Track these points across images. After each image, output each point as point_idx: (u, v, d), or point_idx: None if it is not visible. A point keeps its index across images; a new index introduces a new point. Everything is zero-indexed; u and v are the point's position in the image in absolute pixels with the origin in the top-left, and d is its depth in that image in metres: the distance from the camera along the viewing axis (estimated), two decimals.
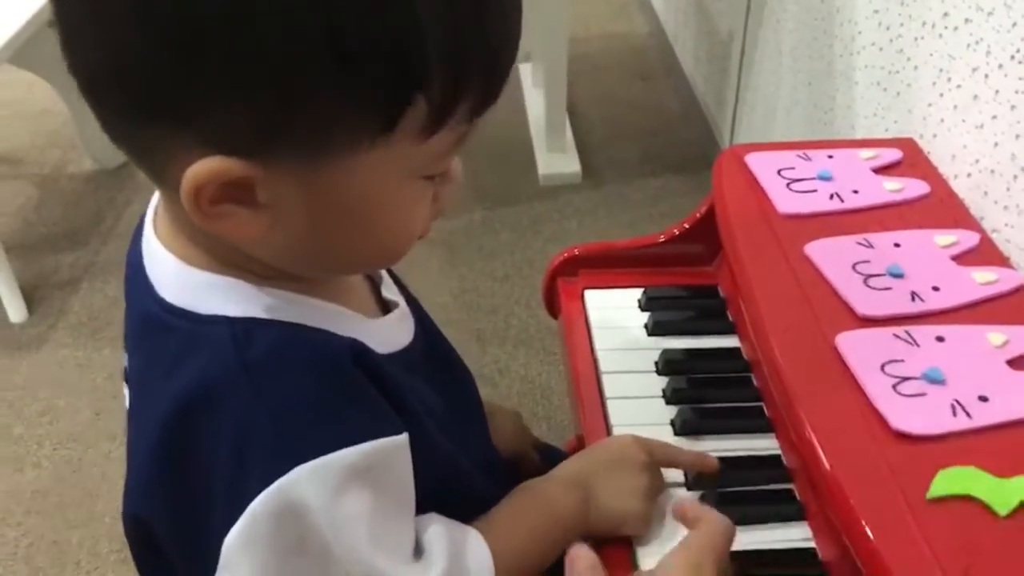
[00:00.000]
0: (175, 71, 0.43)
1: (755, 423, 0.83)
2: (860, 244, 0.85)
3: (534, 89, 2.32)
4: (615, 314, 0.99)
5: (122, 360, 0.61)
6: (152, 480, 0.54)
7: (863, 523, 0.61)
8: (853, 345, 0.73)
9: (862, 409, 0.68)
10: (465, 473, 0.65)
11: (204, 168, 0.44)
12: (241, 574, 0.50)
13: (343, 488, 0.50)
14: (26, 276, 1.82)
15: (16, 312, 1.73)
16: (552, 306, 1.07)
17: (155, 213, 0.58)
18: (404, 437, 0.54)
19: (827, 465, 0.65)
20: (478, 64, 0.47)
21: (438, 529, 0.58)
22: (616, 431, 0.84)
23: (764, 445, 0.81)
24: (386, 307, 0.65)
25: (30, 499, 1.37)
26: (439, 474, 0.60)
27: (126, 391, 0.60)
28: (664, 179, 2.03)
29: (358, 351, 0.54)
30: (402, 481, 0.55)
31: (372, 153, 0.47)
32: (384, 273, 0.68)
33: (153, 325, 0.54)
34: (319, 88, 0.43)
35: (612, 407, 0.86)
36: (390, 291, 0.67)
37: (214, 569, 0.50)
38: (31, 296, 1.78)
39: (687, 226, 1.02)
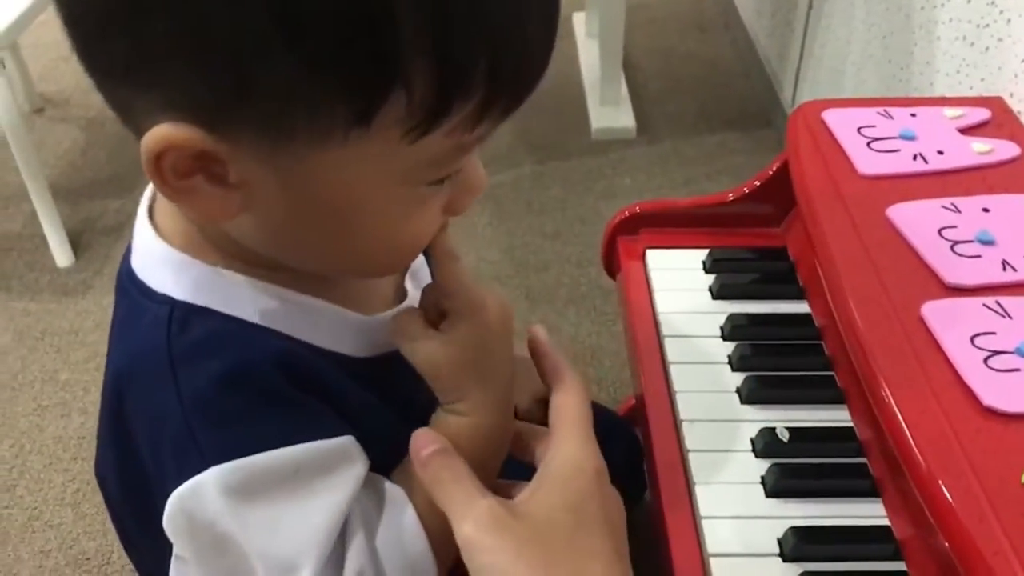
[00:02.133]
0: (130, 28, 0.40)
1: (826, 393, 0.80)
2: (946, 208, 0.80)
3: (588, 39, 2.26)
4: (678, 275, 0.96)
5: None
6: (106, 440, 0.55)
7: (952, 505, 0.57)
8: (941, 315, 0.69)
9: (950, 384, 0.64)
10: None
11: (160, 134, 0.41)
12: (183, 553, 0.51)
13: (257, 493, 0.48)
14: (72, 221, 1.82)
15: (63, 257, 1.73)
16: (611, 265, 1.04)
17: None
18: (341, 441, 0.51)
19: (913, 443, 0.61)
20: (480, 60, 0.41)
21: (358, 533, 0.52)
22: (679, 398, 0.81)
23: (836, 416, 0.78)
24: (404, 296, 0.61)
25: (76, 445, 1.37)
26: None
27: None
28: (721, 136, 1.96)
29: (289, 355, 0.51)
30: (333, 487, 0.50)
31: (349, 149, 0.42)
32: (421, 257, 0.62)
33: (119, 285, 0.54)
34: (273, 63, 0.38)
35: (675, 372, 0.84)
36: (415, 279, 0.62)
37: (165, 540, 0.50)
38: (77, 241, 1.77)
39: (757, 184, 0.98)
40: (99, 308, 1.63)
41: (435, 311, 0.55)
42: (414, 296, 0.60)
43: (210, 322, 0.50)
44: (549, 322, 1.51)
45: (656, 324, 0.90)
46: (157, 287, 0.51)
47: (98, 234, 1.81)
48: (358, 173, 0.44)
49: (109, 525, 1.24)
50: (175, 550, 0.52)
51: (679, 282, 0.95)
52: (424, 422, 0.56)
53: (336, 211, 0.46)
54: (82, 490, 1.30)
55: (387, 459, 0.55)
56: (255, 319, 0.51)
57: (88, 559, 1.21)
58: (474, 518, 0.48)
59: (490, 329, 0.54)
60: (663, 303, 0.92)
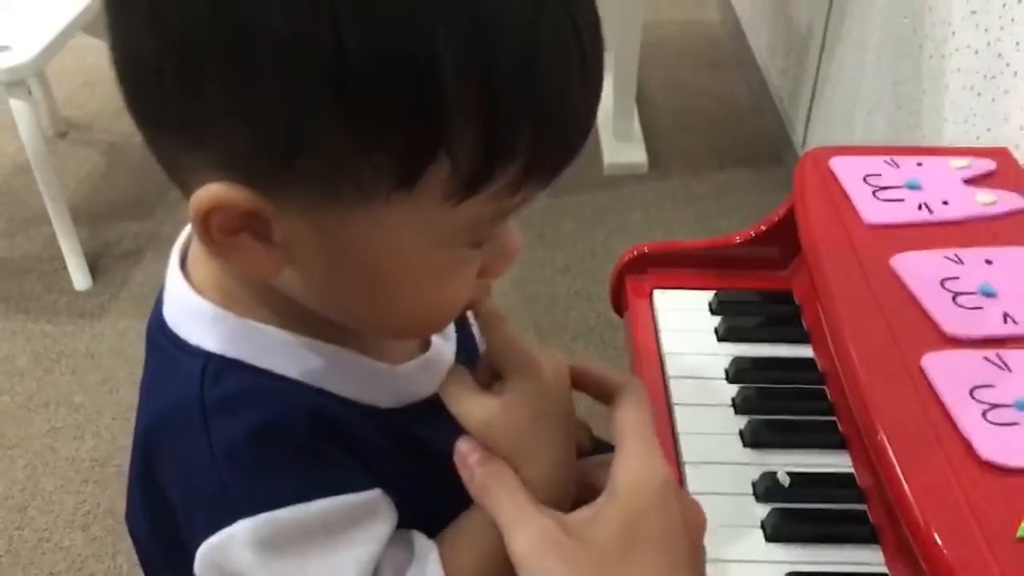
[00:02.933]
0: (181, 83, 0.40)
1: (828, 438, 0.81)
2: (949, 259, 0.81)
3: None
4: (684, 316, 0.96)
5: None
6: (138, 500, 0.54)
7: (947, 558, 0.58)
8: (940, 367, 0.70)
9: (949, 435, 0.65)
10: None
11: (209, 193, 0.42)
12: None
13: (286, 547, 0.48)
14: (91, 244, 1.84)
15: (80, 279, 1.76)
16: (618, 304, 1.05)
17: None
18: (371, 495, 0.51)
19: (909, 493, 0.62)
20: (524, 132, 0.41)
21: None
22: (683, 439, 0.81)
23: (837, 462, 0.79)
24: (428, 343, 0.60)
25: (88, 468, 1.39)
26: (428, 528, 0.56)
27: None
28: (732, 173, 1.98)
29: (322, 409, 0.51)
30: (362, 541, 0.50)
31: (391, 209, 0.42)
32: None
33: (150, 337, 0.54)
34: (324, 128, 0.39)
35: (679, 413, 0.84)
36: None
37: None
38: (95, 264, 1.80)
39: (763, 228, 0.99)
40: (115, 332, 1.65)
41: (487, 373, 0.55)
42: (438, 345, 0.60)
43: (243, 376, 0.50)
44: None
45: (662, 364, 0.90)
46: (191, 340, 0.51)
47: (116, 258, 1.83)
48: (399, 234, 0.44)
49: (119, 548, 1.26)
50: None
51: (685, 323, 0.95)
52: (449, 474, 0.55)
53: (375, 271, 0.46)
54: (92, 512, 1.32)
55: (413, 511, 0.54)
56: (287, 372, 0.51)
57: None
58: (527, 533, 0.48)
59: (547, 388, 0.53)
60: (669, 343, 0.92)
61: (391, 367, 0.56)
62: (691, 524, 0.52)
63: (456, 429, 0.57)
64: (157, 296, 0.55)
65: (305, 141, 0.40)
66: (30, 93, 1.60)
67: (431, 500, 0.54)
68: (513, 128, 0.41)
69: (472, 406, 0.52)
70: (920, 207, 0.87)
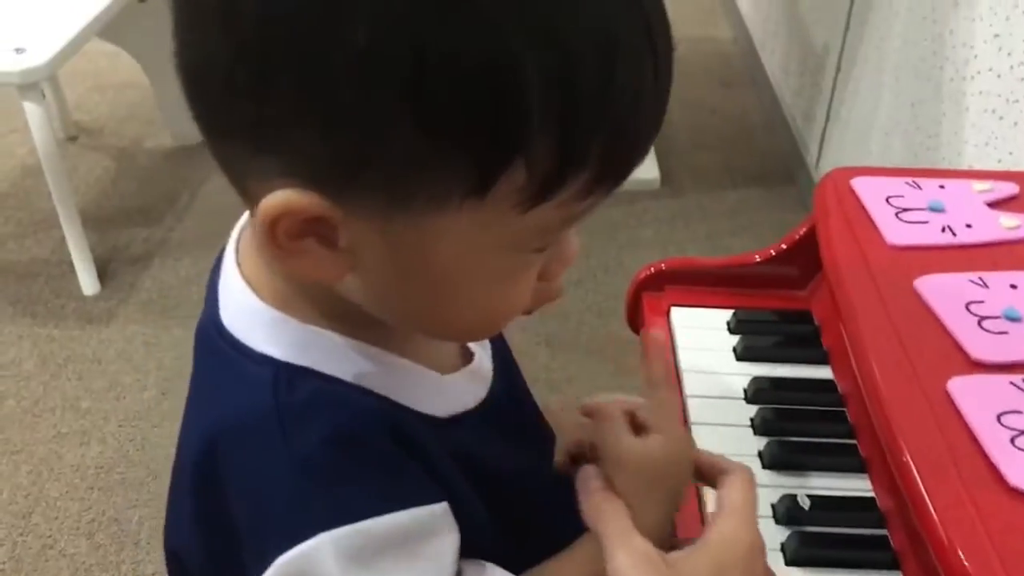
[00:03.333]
0: (255, 90, 0.40)
1: (848, 461, 0.80)
2: (974, 283, 0.80)
3: None
4: (702, 335, 0.96)
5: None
6: (190, 512, 0.52)
7: None
8: (967, 392, 0.69)
9: (976, 462, 0.64)
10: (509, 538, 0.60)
11: (279, 199, 0.42)
12: None
13: (366, 561, 0.47)
14: (100, 249, 1.84)
15: (89, 284, 1.75)
16: (634, 320, 1.04)
17: (240, 232, 0.55)
18: (442, 506, 0.50)
19: (936, 519, 0.61)
20: (598, 141, 0.42)
21: None
22: None
23: (857, 485, 0.78)
24: (468, 354, 0.60)
25: (94, 475, 1.38)
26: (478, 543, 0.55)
27: None
28: (744, 191, 1.98)
29: (394, 417, 0.51)
30: (436, 553, 0.50)
31: (462, 215, 0.42)
32: None
33: (206, 343, 0.53)
34: (400, 135, 0.39)
35: (697, 433, 0.83)
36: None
37: None
38: (103, 269, 1.79)
39: (784, 247, 0.98)
40: (122, 337, 1.64)
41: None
42: (479, 355, 0.60)
43: (314, 383, 0.49)
44: (568, 371, 1.51)
45: (679, 383, 0.90)
46: (255, 346, 0.50)
47: (124, 263, 1.83)
48: (467, 240, 0.44)
49: (122, 557, 1.25)
50: None
51: (703, 341, 0.95)
52: (497, 484, 0.57)
53: (441, 276, 0.46)
54: (97, 520, 1.30)
55: (461, 522, 0.53)
56: (352, 379, 0.50)
57: None
58: (628, 552, 0.51)
59: (680, 455, 0.59)
60: (687, 362, 0.92)
61: (445, 376, 0.56)
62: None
63: (502, 444, 0.60)
64: (209, 296, 0.54)
65: (380, 149, 0.40)
66: (44, 97, 1.59)
67: (477, 514, 0.54)
68: (588, 138, 0.41)
69: (619, 440, 0.57)
70: (944, 230, 0.86)
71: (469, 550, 0.53)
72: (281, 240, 0.43)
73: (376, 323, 0.51)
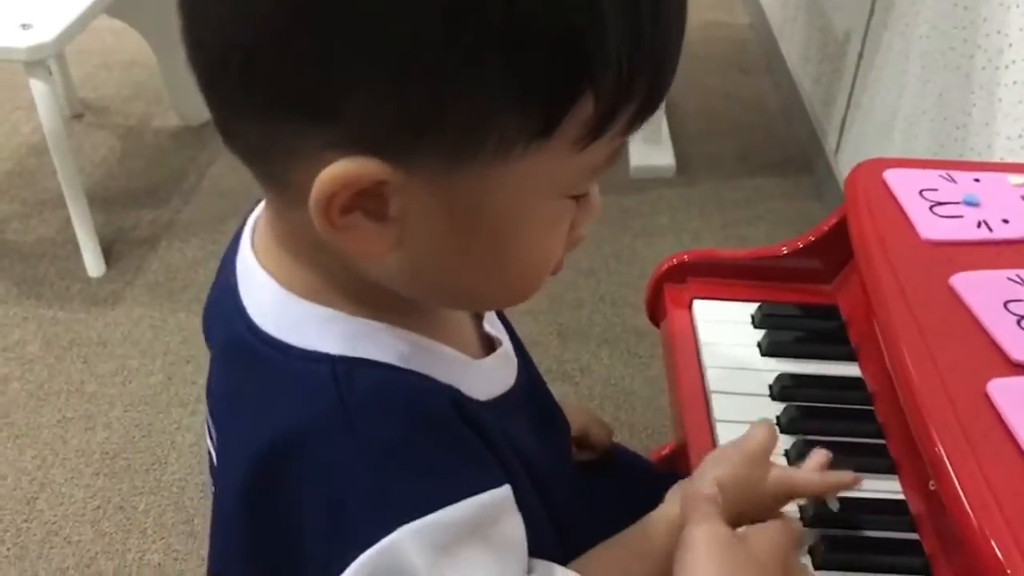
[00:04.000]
0: (316, 53, 0.38)
1: (878, 463, 0.78)
2: (1012, 280, 0.78)
3: None
4: (725, 329, 0.94)
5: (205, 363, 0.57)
6: (239, 532, 0.50)
7: None
8: (1008, 394, 0.67)
9: (1020, 467, 0.62)
10: (547, 526, 0.60)
11: (341, 170, 0.40)
12: None
13: (449, 549, 0.46)
14: (106, 230, 1.82)
15: (94, 266, 1.73)
16: (655, 312, 1.02)
17: (253, 229, 0.53)
18: (507, 489, 0.50)
19: (978, 525, 0.59)
20: (649, 65, 0.42)
21: None
22: None
23: (887, 487, 0.76)
24: (489, 342, 0.60)
25: (99, 460, 1.36)
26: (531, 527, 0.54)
27: (207, 412, 0.57)
28: (761, 179, 1.95)
29: (457, 400, 0.50)
30: (509, 536, 0.50)
31: (525, 162, 0.42)
32: None
33: (244, 353, 0.50)
34: (480, 76, 0.38)
35: (721, 430, 0.82)
36: (493, 325, 0.62)
37: None
38: (109, 250, 1.77)
39: (812, 239, 0.96)
40: (128, 320, 1.62)
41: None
42: (505, 345, 0.61)
43: (373, 372, 0.48)
44: (581, 361, 1.49)
45: (703, 378, 0.88)
46: (304, 345, 0.48)
47: (131, 245, 1.81)
48: (523, 187, 0.44)
49: (128, 545, 1.24)
50: None
51: (727, 336, 0.92)
52: (533, 470, 0.57)
53: (492, 230, 0.46)
54: (103, 507, 1.29)
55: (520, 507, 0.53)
56: (404, 365, 0.49)
57: None
58: (710, 526, 0.56)
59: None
60: (710, 357, 0.90)
61: (478, 361, 0.56)
62: None
63: (531, 429, 0.60)
64: (230, 304, 0.52)
65: (453, 97, 0.39)
66: (50, 74, 1.57)
67: (529, 496, 0.54)
68: (643, 67, 0.42)
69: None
70: (979, 225, 0.84)
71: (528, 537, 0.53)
72: (335, 218, 0.42)
73: (406, 309, 0.50)
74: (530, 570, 0.53)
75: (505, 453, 0.53)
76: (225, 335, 0.53)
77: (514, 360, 0.61)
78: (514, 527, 0.51)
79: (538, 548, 0.54)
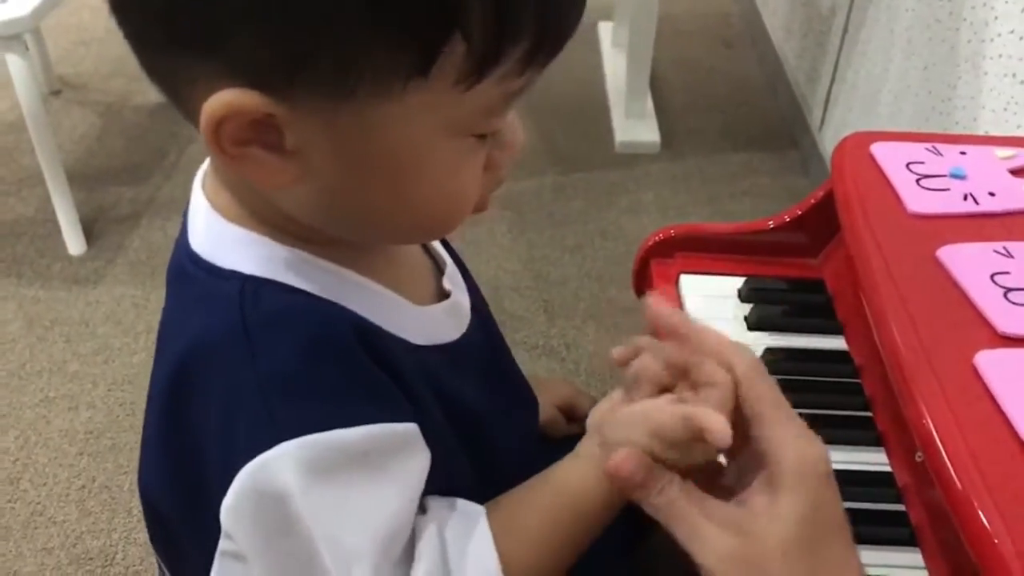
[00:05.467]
0: None
1: (864, 435, 0.78)
2: (998, 253, 0.78)
3: (613, 49, 2.24)
4: (712, 303, 0.94)
5: None
6: (158, 446, 0.52)
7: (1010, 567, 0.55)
8: (995, 366, 0.67)
9: (1007, 438, 0.62)
10: (466, 476, 0.59)
11: (222, 100, 0.42)
12: (240, 545, 0.48)
13: (329, 472, 0.47)
14: (86, 208, 1.79)
15: (75, 244, 1.71)
16: (641, 287, 1.01)
17: (208, 164, 0.56)
18: (411, 427, 0.50)
19: (967, 499, 0.59)
20: (531, 10, 0.42)
21: (431, 536, 0.51)
22: None
23: (874, 459, 0.76)
24: (445, 297, 0.61)
25: (83, 440, 1.35)
26: (442, 483, 0.54)
27: None
28: (746, 154, 1.94)
29: (364, 329, 0.51)
30: (402, 471, 0.50)
31: (405, 100, 0.43)
32: (450, 262, 0.64)
33: (179, 274, 0.53)
34: (346, 17, 0.40)
35: None
36: (453, 283, 0.63)
37: (214, 537, 0.49)
38: (90, 229, 1.75)
39: (799, 213, 0.96)
40: (110, 299, 1.60)
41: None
42: (457, 295, 0.61)
43: (283, 294, 0.49)
44: (568, 337, 1.49)
45: None
46: (225, 265, 0.50)
47: (112, 222, 1.79)
48: (413, 125, 0.44)
49: (114, 524, 1.23)
50: (224, 547, 0.50)
51: (713, 310, 0.92)
52: (468, 422, 0.57)
53: (389, 168, 0.46)
54: (87, 487, 1.28)
55: (432, 448, 0.53)
56: (322, 293, 0.50)
57: (91, 559, 1.19)
58: (717, 556, 0.47)
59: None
60: None
61: (418, 306, 0.56)
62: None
63: (476, 383, 0.60)
64: (181, 231, 0.54)
65: (322, 35, 0.40)
66: (27, 49, 1.54)
67: (447, 440, 0.54)
68: (523, 6, 0.42)
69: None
70: (966, 197, 0.84)
71: (437, 479, 0.53)
72: (226, 146, 0.43)
73: (343, 246, 0.51)
74: (425, 508, 0.53)
75: (420, 394, 0.53)
76: (174, 259, 0.55)
77: (464, 314, 0.62)
78: (411, 463, 0.51)
79: (462, 494, 0.55)
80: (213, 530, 0.49)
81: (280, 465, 0.45)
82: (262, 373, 0.47)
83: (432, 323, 0.57)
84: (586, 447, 0.57)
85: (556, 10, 0.44)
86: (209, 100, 0.42)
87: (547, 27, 0.43)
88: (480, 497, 0.58)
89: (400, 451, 0.50)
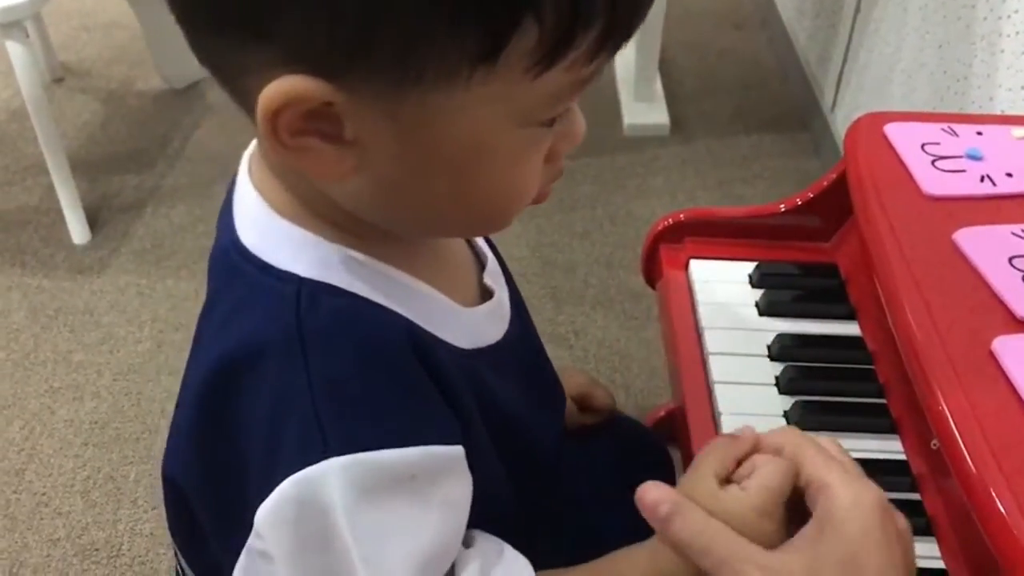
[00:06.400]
0: None
1: (879, 422, 0.77)
2: (1016, 235, 0.76)
3: None
4: (723, 289, 0.92)
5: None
6: (190, 437, 0.51)
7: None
8: (1013, 352, 0.65)
9: None
10: (506, 508, 0.59)
11: (281, 87, 0.40)
12: (270, 548, 0.47)
13: (375, 493, 0.46)
14: (90, 196, 1.78)
15: (79, 233, 1.70)
16: (651, 272, 1.00)
17: (254, 149, 0.54)
18: (459, 450, 0.49)
19: (984, 488, 0.58)
20: None
21: (474, 572, 0.51)
22: (724, 420, 0.77)
23: (888, 447, 0.75)
24: (487, 294, 0.60)
25: (88, 430, 1.34)
26: (480, 502, 0.53)
27: None
28: (757, 137, 1.92)
29: (416, 336, 0.49)
30: (446, 497, 0.49)
31: (472, 89, 0.41)
32: (491, 257, 0.63)
33: (225, 265, 0.51)
34: (407, 7, 0.38)
35: (720, 392, 0.80)
36: (493, 278, 0.61)
37: (244, 536, 0.48)
38: (94, 217, 1.74)
39: (811, 195, 0.94)
40: (115, 288, 1.60)
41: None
42: (500, 294, 0.60)
43: (339, 300, 0.48)
44: (576, 324, 1.47)
45: (700, 339, 0.86)
46: (280, 264, 0.49)
47: (116, 211, 1.78)
48: (479, 116, 0.43)
49: (119, 515, 1.22)
50: (254, 544, 0.49)
51: (724, 296, 0.91)
52: (508, 424, 0.57)
53: (453, 159, 0.45)
54: (92, 478, 1.27)
55: (472, 463, 0.52)
56: (377, 299, 0.49)
57: (97, 550, 1.18)
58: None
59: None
60: (707, 317, 0.88)
61: (462, 308, 0.55)
62: (905, 542, 0.52)
63: (516, 382, 0.59)
64: (223, 221, 0.53)
65: (385, 21, 0.38)
66: (27, 36, 1.53)
67: (488, 455, 0.53)
68: None
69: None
70: (983, 179, 0.82)
71: (477, 498, 0.52)
72: (283, 136, 0.42)
73: (393, 243, 0.50)
74: (471, 542, 0.53)
75: (467, 403, 0.52)
76: (219, 247, 0.53)
77: (506, 314, 0.61)
78: (456, 489, 0.50)
79: (490, 508, 0.54)
80: (241, 525, 0.48)
81: (327, 481, 0.45)
82: (315, 383, 0.46)
83: (477, 326, 0.56)
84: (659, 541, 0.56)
85: None
86: (266, 88, 0.40)
87: (619, 11, 0.42)
88: (516, 502, 0.58)
89: (448, 476, 0.49)
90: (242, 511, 0.47)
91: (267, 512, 0.46)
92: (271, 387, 0.47)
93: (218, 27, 0.41)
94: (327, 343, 0.47)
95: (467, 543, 0.53)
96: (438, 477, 0.48)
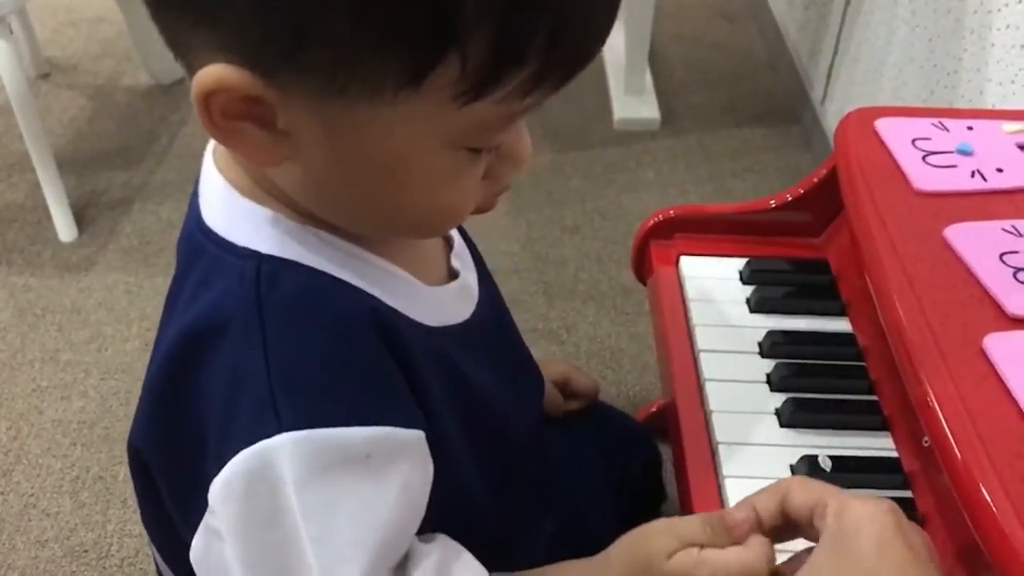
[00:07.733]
0: None
1: (870, 419, 0.77)
2: (1007, 231, 0.76)
3: None
4: (713, 285, 0.92)
5: None
6: (153, 409, 0.52)
7: (1018, 552, 0.54)
8: (1005, 349, 0.65)
9: (1017, 423, 0.61)
10: (477, 495, 0.59)
11: (212, 73, 0.41)
12: (220, 524, 0.47)
13: (327, 469, 0.46)
14: (76, 193, 1.77)
15: (66, 231, 1.68)
16: (641, 269, 1.00)
17: None
18: (418, 434, 0.49)
19: (975, 484, 0.58)
20: (537, 37, 0.40)
21: (429, 567, 0.51)
22: (715, 418, 0.77)
23: (879, 444, 0.75)
24: (455, 275, 0.61)
25: (76, 430, 1.33)
26: (445, 490, 0.53)
27: None
28: (748, 130, 1.91)
29: (380, 313, 0.50)
30: (405, 483, 0.49)
31: (398, 107, 0.41)
32: (458, 238, 0.63)
33: (191, 246, 0.52)
34: (335, 20, 0.38)
35: (710, 390, 0.80)
36: (461, 261, 0.62)
37: (201, 507, 0.48)
38: (81, 215, 1.72)
39: (801, 191, 0.94)
40: (102, 286, 1.58)
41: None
42: (466, 275, 0.61)
43: (299, 276, 0.49)
44: (567, 319, 1.47)
45: (691, 337, 0.86)
46: (240, 242, 0.49)
47: (103, 208, 1.76)
48: (404, 133, 0.43)
49: (108, 516, 1.21)
50: (208, 521, 0.50)
51: (715, 292, 0.91)
52: (477, 403, 0.57)
53: (379, 168, 0.45)
54: (81, 478, 1.26)
55: (437, 446, 0.52)
56: (340, 275, 0.50)
57: (86, 551, 1.17)
58: None
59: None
60: (698, 315, 0.88)
61: (426, 286, 0.55)
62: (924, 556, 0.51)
63: (487, 362, 0.60)
64: (191, 202, 0.53)
65: (315, 32, 0.39)
66: (11, 32, 1.51)
67: (451, 430, 0.53)
68: (527, 34, 0.40)
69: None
70: (973, 174, 0.82)
71: (441, 478, 0.52)
72: (216, 118, 0.43)
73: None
74: (430, 540, 0.53)
75: (431, 382, 0.52)
76: (185, 231, 0.54)
77: (473, 294, 0.61)
78: (414, 473, 0.50)
79: (460, 509, 0.55)
80: (198, 498, 0.48)
81: (278, 455, 0.45)
82: (272, 359, 0.46)
83: (444, 304, 0.57)
84: (617, 553, 0.57)
85: (568, 42, 0.41)
86: (199, 72, 0.41)
87: (557, 58, 0.41)
88: (487, 488, 0.58)
89: (404, 458, 0.49)
90: (200, 487, 0.47)
91: (219, 486, 0.46)
92: (229, 362, 0.47)
93: (167, 8, 0.42)
94: (287, 319, 0.47)
95: (428, 541, 0.53)
96: (394, 458, 0.48)
